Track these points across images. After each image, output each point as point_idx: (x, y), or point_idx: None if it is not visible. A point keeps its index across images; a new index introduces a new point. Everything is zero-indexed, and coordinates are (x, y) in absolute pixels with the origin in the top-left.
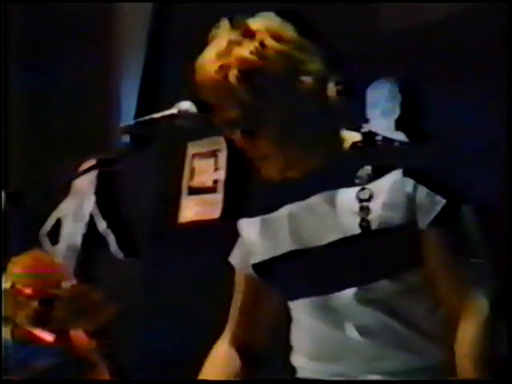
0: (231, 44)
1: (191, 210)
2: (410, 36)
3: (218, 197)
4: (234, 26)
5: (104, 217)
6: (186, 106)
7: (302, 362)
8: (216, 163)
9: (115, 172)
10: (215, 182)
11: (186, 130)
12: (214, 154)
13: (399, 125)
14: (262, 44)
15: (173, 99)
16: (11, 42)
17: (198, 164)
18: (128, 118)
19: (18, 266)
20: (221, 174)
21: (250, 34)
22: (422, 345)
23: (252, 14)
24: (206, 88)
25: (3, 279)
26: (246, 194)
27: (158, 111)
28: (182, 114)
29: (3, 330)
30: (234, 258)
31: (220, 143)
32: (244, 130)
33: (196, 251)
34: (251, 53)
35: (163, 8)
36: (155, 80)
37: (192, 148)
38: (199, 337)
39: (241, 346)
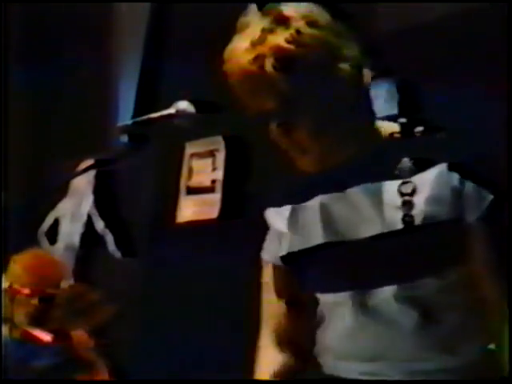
0: (265, 32)
1: (189, 209)
2: (408, 36)
3: (216, 197)
4: (265, 12)
5: (102, 216)
6: (184, 105)
7: (329, 358)
8: (214, 163)
9: (113, 172)
10: (213, 181)
11: (184, 130)
12: (211, 153)
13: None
14: (298, 31)
15: (171, 99)
16: (11, 42)
17: (196, 164)
18: (126, 117)
19: (17, 265)
20: (219, 174)
21: (283, 21)
22: (458, 345)
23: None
24: (238, 79)
25: (3, 279)
26: (244, 193)
27: (155, 111)
28: (180, 114)
29: (2, 329)
30: (266, 252)
31: (218, 143)
32: (281, 121)
33: (194, 251)
34: (287, 41)
35: (161, 8)
36: (153, 80)
37: (190, 148)
38: (198, 335)
39: (289, 344)
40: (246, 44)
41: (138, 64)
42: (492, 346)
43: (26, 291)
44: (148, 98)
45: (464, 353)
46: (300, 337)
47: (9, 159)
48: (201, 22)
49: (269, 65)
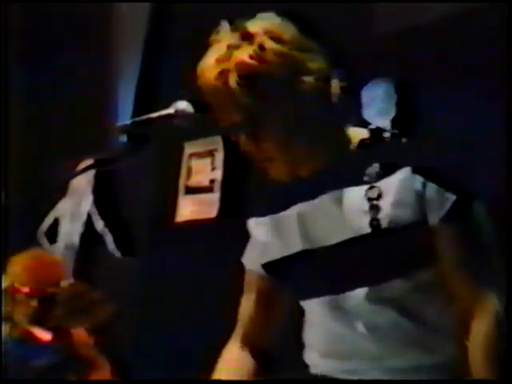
0: (231, 48)
1: (188, 209)
2: (405, 37)
3: (215, 196)
4: (233, 29)
5: (102, 216)
6: (183, 105)
7: (314, 359)
8: (213, 163)
9: (113, 171)
10: (212, 181)
11: (183, 130)
12: (210, 153)
13: (395, 125)
14: (260, 47)
15: (170, 99)
16: (11, 42)
17: (195, 164)
18: (125, 117)
19: (17, 265)
20: (217, 174)
21: (248, 37)
22: (433, 342)
23: (252, 15)
24: (207, 93)
25: (3, 278)
26: (242, 193)
27: (155, 111)
28: (179, 114)
29: (2, 328)
30: (246, 258)
31: (217, 143)
32: (248, 133)
33: (193, 250)
34: (250, 57)
35: (161, 8)
36: (152, 80)
37: (189, 148)
38: (196, 333)
39: (253, 346)
40: (213, 60)
41: (138, 64)
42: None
43: (26, 290)
44: (147, 98)
45: (439, 349)
46: (264, 338)
47: (9, 159)
48: (200, 23)
49: (232, 80)
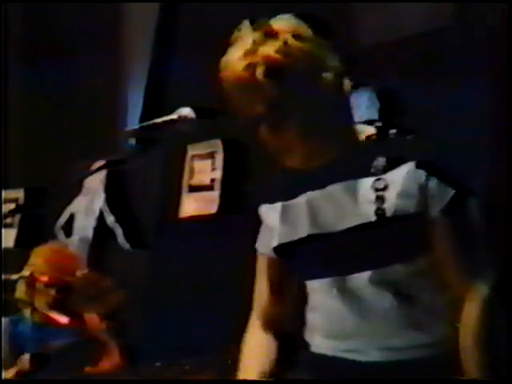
0: (256, 44)
1: (191, 205)
2: (386, 48)
3: (215, 194)
4: (255, 27)
5: (112, 212)
6: (186, 111)
7: (316, 338)
8: (213, 164)
9: (123, 171)
10: (212, 180)
11: (186, 134)
12: (211, 155)
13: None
14: (285, 43)
15: (177, 105)
16: (22, 45)
17: (197, 164)
18: (134, 122)
19: (39, 256)
20: (218, 174)
21: (273, 34)
22: (429, 323)
23: (270, 16)
24: (232, 85)
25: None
26: (240, 191)
27: (161, 116)
28: (182, 119)
29: (24, 312)
30: (259, 243)
31: (217, 146)
32: (270, 124)
33: (195, 242)
34: (276, 51)
35: (169, 16)
36: (160, 87)
37: (191, 150)
38: (199, 319)
39: (272, 326)
40: (240, 54)
41: (146, 72)
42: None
43: (45, 279)
44: (155, 104)
45: (433, 330)
46: (283, 320)
47: (26, 160)
48: (208, 31)
49: (259, 72)
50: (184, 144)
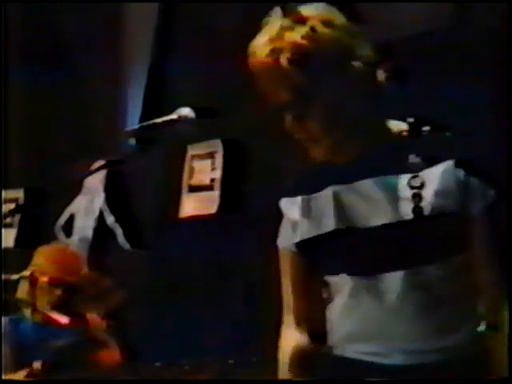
0: (283, 29)
1: (190, 205)
2: (386, 48)
3: (215, 194)
4: (285, 13)
5: (112, 212)
6: (186, 111)
7: (338, 340)
8: (213, 163)
9: (122, 171)
10: (212, 180)
11: (186, 134)
12: (211, 155)
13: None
14: (312, 29)
15: (176, 105)
16: (14, 44)
17: (197, 164)
18: (134, 122)
19: (42, 256)
20: (217, 174)
21: (301, 20)
22: (453, 326)
23: (304, 2)
24: (259, 71)
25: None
26: (240, 191)
27: (161, 116)
28: (182, 119)
29: (24, 311)
30: (281, 239)
31: (217, 146)
32: (295, 112)
33: (195, 242)
34: (302, 37)
35: (168, 17)
36: (159, 87)
37: (191, 150)
38: (199, 319)
39: (306, 325)
40: (266, 39)
41: (146, 72)
42: (481, 329)
43: (45, 279)
44: (155, 104)
45: (457, 334)
46: (314, 317)
47: (26, 160)
48: (207, 32)
49: (284, 58)
50: (184, 144)
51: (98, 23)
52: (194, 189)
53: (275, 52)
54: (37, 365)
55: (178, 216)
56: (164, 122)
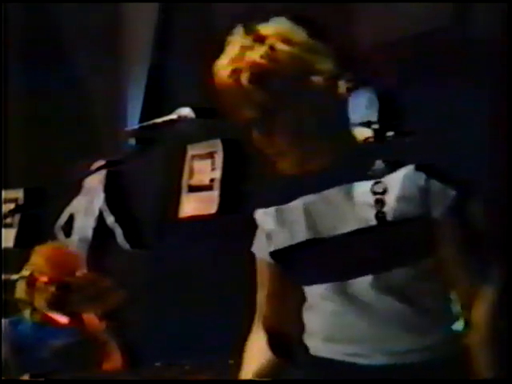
0: (243, 49)
1: (190, 205)
2: (386, 48)
3: (215, 194)
4: (246, 32)
5: (112, 212)
6: (186, 111)
7: (315, 341)
8: (213, 164)
9: (122, 171)
10: (212, 180)
11: (186, 134)
12: (211, 155)
13: (377, 131)
14: (271, 48)
15: (176, 105)
16: (14, 44)
17: (197, 164)
18: (134, 122)
19: (39, 255)
20: (217, 174)
21: (260, 39)
22: (429, 326)
23: (264, 19)
24: (222, 91)
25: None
26: (240, 191)
27: (162, 116)
28: (182, 119)
29: (24, 312)
30: (255, 248)
31: (216, 146)
32: (260, 129)
33: (194, 242)
34: (261, 56)
35: (168, 17)
36: (160, 86)
37: (191, 150)
38: (199, 319)
39: (273, 331)
40: (227, 60)
41: (146, 72)
42: (458, 327)
43: (45, 279)
44: (155, 104)
45: (434, 333)
46: (283, 323)
47: (26, 160)
48: (207, 32)
49: (244, 78)
50: (183, 144)
51: (97, 23)
52: (193, 189)
53: (236, 72)
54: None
55: (177, 216)
56: (164, 122)
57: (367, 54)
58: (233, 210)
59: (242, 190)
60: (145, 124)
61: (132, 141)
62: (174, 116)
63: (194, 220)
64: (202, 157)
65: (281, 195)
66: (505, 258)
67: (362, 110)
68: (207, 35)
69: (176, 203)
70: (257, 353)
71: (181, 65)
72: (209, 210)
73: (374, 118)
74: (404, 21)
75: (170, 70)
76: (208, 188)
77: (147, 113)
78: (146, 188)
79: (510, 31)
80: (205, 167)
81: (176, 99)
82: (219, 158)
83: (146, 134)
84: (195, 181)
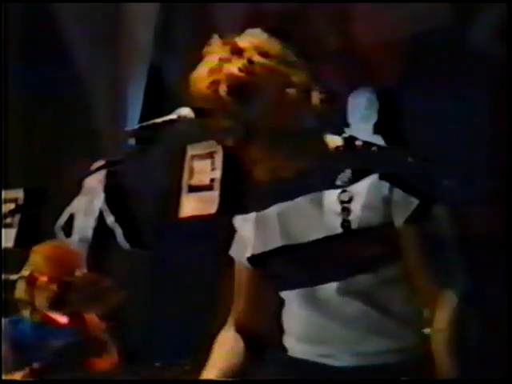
0: (222, 61)
1: (190, 205)
2: (386, 50)
3: (215, 194)
4: (224, 42)
5: (112, 212)
6: (185, 112)
7: (292, 343)
8: (213, 164)
9: (122, 171)
10: (212, 180)
11: (186, 134)
12: (210, 155)
13: (377, 129)
14: (249, 61)
15: (175, 106)
16: (14, 44)
17: (197, 164)
18: (134, 122)
19: (39, 254)
20: (217, 174)
21: (238, 52)
22: (397, 329)
23: (240, 32)
24: (200, 100)
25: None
26: (240, 191)
27: (162, 116)
28: (182, 119)
29: (23, 312)
30: (233, 251)
31: (216, 146)
32: (236, 138)
33: (194, 243)
34: (239, 69)
35: (169, 17)
36: (160, 86)
37: (191, 150)
38: (199, 319)
39: (245, 331)
40: (205, 71)
41: (146, 72)
42: (426, 331)
43: (45, 278)
44: (155, 104)
45: (403, 336)
46: (256, 325)
47: (26, 160)
48: (207, 32)
49: (222, 90)
50: (183, 144)
51: (97, 23)
52: (193, 189)
53: (214, 84)
54: (35, 366)
55: (177, 216)
56: (164, 121)
57: (367, 54)
58: (233, 210)
59: (242, 190)
60: (145, 124)
61: (132, 141)
62: (173, 116)
63: (194, 220)
64: (201, 157)
65: (257, 202)
66: (467, 264)
67: (361, 110)
68: (207, 35)
69: (176, 203)
70: (224, 348)
71: (181, 65)
72: (209, 210)
73: (373, 117)
74: (404, 21)
75: (170, 69)
76: (208, 188)
77: (147, 113)
78: (146, 188)
79: (510, 31)
80: (205, 167)
81: (176, 99)
82: (219, 158)
83: (146, 133)
84: (195, 181)
